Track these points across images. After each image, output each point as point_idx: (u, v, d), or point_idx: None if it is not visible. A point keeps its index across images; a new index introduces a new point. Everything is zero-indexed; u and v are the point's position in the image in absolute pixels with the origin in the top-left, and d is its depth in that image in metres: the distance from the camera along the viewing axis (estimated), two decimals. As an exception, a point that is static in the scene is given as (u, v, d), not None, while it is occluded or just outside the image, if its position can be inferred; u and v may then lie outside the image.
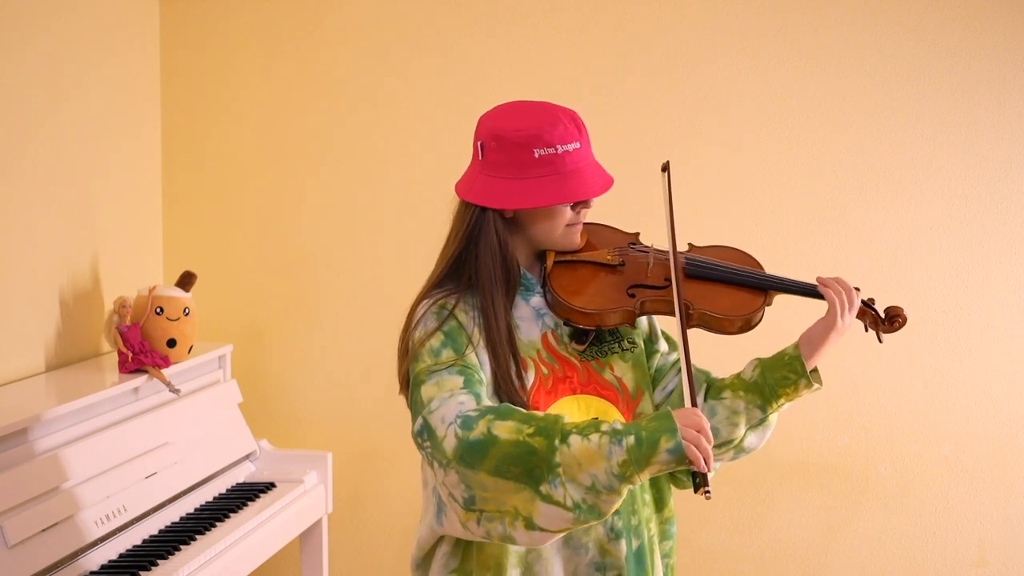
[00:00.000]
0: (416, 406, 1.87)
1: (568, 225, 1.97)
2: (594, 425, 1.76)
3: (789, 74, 3.45)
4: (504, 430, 1.76)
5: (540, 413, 1.81)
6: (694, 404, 1.83)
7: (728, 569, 3.57)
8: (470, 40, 3.55)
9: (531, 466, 1.74)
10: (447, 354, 1.88)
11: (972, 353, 3.46)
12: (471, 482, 1.77)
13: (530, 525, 1.77)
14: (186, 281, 3.20)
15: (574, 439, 1.74)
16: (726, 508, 3.55)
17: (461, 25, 3.55)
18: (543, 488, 1.74)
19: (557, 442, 1.74)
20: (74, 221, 3.17)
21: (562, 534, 1.81)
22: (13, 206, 2.92)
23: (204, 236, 3.69)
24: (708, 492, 1.73)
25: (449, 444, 1.77)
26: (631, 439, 1.73)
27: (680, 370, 2.10)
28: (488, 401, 1.86)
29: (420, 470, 1.98)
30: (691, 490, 2.16)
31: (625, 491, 1.75)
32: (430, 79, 3.58)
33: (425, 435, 1.82)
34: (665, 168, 2.08)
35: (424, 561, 2.02)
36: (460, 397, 1.82)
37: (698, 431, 1.74)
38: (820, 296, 2.01)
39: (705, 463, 1.73)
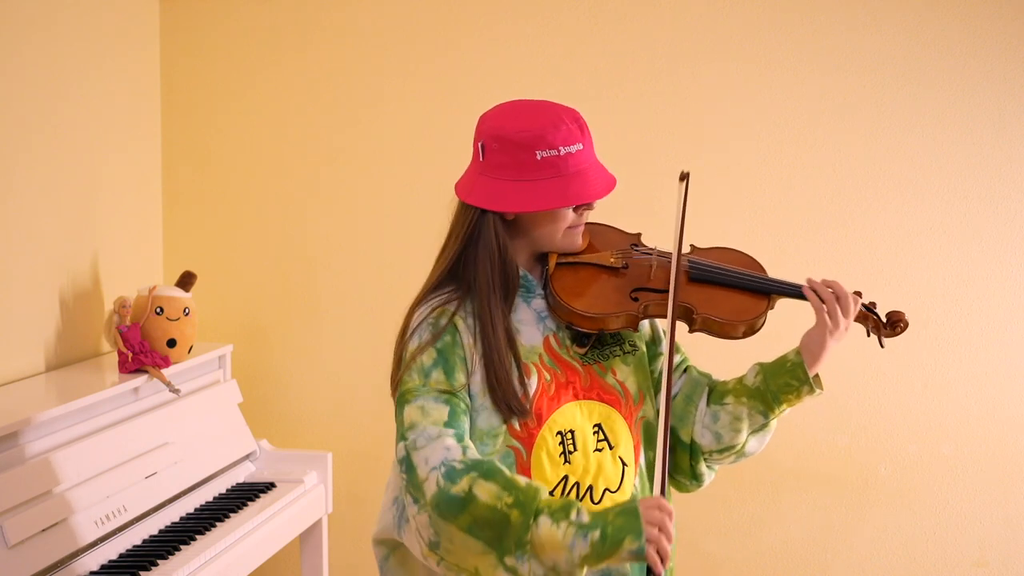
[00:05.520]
0: (399, 426, 1.87)
1: (570, 227, 1.95)
2: (566, 509, 1.74)
3: (789, 74, 3.45)
4: (484, 492, 1.75)
5: (522, 481, 1.78)
6: (663, 491, 1.80)
7: (727, 570, 3.57)
8: (470, 40, 3.55)
9: (501, 535, 1.74)
10: (436, 376, 1.86)
11: (972, 353, 3.46)
12: (441, 531, 1.77)
13: None
14: (186, 281, 3.20)
15: (543, 521, 1.73)
16: (725, 509, 3.55)
17: (461, 25, 3.55)
18: (508, 560, 1.74)
19: (531, 520, 1.73)
20: (74, 221, 3.17)
21: None
22: (13, 206, 2.92)
23: (204, 236, 3.69)
24: None
25: (429, 489, 1.77)
26: (596, 534, 1.71)
27: (679, 374, 2.09)
28: (470, 445, 1.83)
29: (391, 479, 1.98)
30: (692, 494, 2.16)
31: (583, 575, 1.75)
32: (430, 79, 3.58)
33: (405, 467, 1.82)
34: (683, 178, 2.04)
35: (388, 564, 2.00)
36: (446, 440, 1.81)
37: (660, 529, 1.72)
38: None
39: (662, 562, 1.71)
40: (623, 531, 1.71)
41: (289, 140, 3.65)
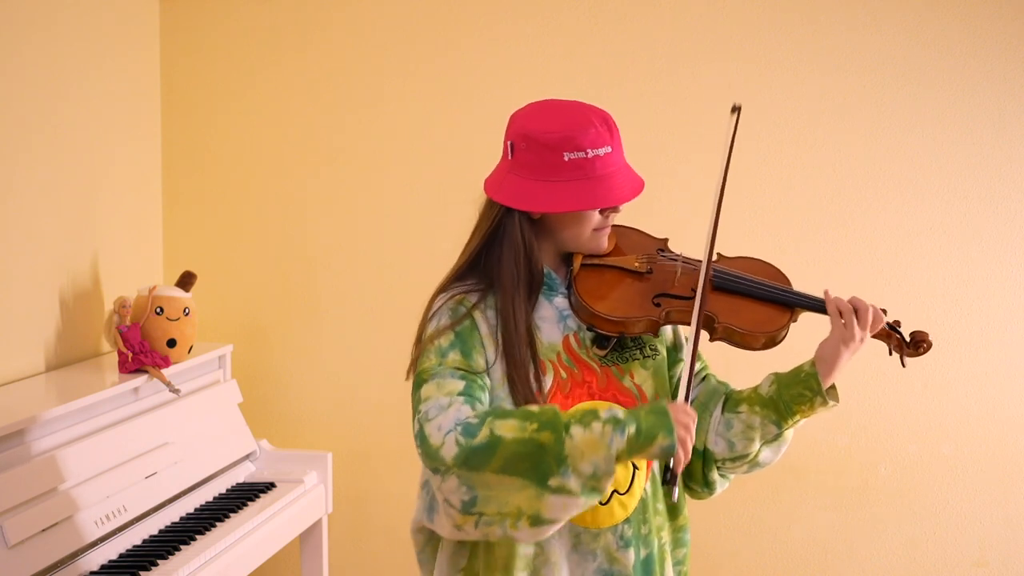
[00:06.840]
0: (414, 403, 1.87)
1: (596, 229, 1.95)
2: (592, 413, 1.78)
3: (789, 74, 3.45)
4: (507, 429, 1.76)
5: (535, 408, 1.81)
6: (687, 399, 1.87)
7: (728, 570, 3.57)
8: (470, 40, 3.55)
9: (538, 461, 1.75)
10: (453, 356, 1.87)
11: (972, 353, 3.46)
12: (474, 483, 1.76)
13: (536, 521, 1.77)
14: (186, 281, 3.20)
15: (575, 429, 1.76)
16: (725, 509, 3.55)
17: (461, 25, 3.55)
18: (552, 482, 1.75)
19: (563, 434, 1.75)
20: (74, 221, 3.17)
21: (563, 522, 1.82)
22: (13, 206, 2.92)
23: (204, 236, 3.69)
24: (676, 490, 1.83)
25: (448, 451, 1.77)
26: (632, 429, 1.76)
27: (698, 381, 2.08)
28: (481, 407, 1.85)
29: (422, 467, 1.98)
30: (705, 499, 2.16)
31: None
32: (430, 79, 3.58)
33: (419, 440, 1.82)
34: (735, 110, 2.06)
35: (425, 555, 2.02)
36: (458, 405, 1.81)
37: (685, 431, 1.79)
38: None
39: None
40: (656, 427, 1.77)
41: (289, 140, 3.65)
